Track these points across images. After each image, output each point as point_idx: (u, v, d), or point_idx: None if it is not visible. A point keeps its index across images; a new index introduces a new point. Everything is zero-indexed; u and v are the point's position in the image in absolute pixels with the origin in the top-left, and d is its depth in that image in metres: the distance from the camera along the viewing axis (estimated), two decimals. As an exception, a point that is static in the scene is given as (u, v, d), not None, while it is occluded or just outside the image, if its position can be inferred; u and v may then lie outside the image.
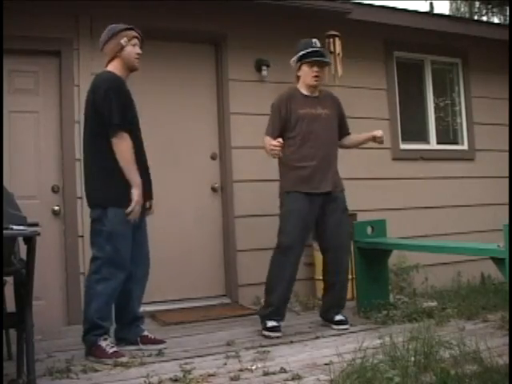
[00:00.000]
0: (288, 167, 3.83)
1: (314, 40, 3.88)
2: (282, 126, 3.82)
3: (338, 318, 3.85)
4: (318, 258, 4.61)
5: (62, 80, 4.39)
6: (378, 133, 3.96)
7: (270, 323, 3.67)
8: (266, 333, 3.64)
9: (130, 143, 3.28)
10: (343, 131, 4.07)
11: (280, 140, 3.63)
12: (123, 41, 3.41)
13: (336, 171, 3.95)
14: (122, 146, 3.25)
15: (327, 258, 3.91)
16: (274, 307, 3.71)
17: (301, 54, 3.85)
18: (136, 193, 3.26)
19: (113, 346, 3.24)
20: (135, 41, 3.46)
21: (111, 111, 3.24)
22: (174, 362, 3.10)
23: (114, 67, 3.42)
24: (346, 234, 3.95)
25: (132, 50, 3.43)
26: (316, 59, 3.83)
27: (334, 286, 3.90)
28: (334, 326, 3.81)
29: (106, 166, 3.28)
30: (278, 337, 3.60)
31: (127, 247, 3.31)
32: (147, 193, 3.46)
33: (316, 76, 3.85)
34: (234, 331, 3.82)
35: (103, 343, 3.21)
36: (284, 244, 3.73)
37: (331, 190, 3.85)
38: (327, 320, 3.90)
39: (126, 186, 3.26)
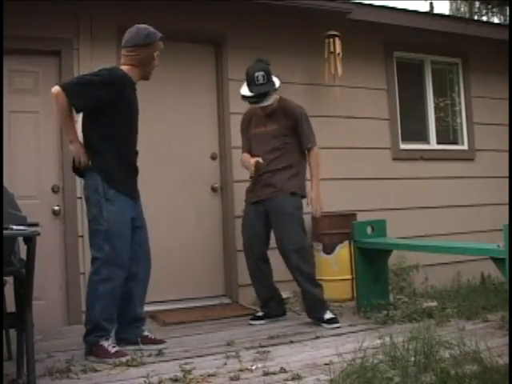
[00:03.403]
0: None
1: (256, 74, 3.88)
2: (247, 142, 4.16)
3: (327, 316, 3.86)
4: (318, 258, 4.62)
5: (62, 80, 4.38)
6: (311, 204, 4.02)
7: (257, 313, 4.10)
8: (252, 322, 4.03)
9: (62, 104, 3.17)
10: (302, 144, 4.05)
11: (259, 159, 3.91)
12: (156, 54, 3.39)
13: (284, 176, 3.95)
14: (55, 103, 3.21)
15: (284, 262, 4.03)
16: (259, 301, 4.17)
17: (241, 93, 3.99)
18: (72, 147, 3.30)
19: (114, 346, 3.24)
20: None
21: (73, 78, 3.39)
22: (174, 361, 3.09)
23: (130, 71, 3.37)
24: (289, 236, 3.89)
25: (155, 62, 3.43)
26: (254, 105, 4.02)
27: (300, 288, 3.99)
28: (326, 326, 3.81)
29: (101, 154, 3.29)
30: (257, 324, 3.99)
31: (125, 246, 3.30)
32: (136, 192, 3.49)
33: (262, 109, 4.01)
34: (233, 331, 3.82)
35: (105, 343, 3.21)
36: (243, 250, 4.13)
37: (270, 196, 3.95)
38: (317, 320, 3.90)
39: (121, 182, 3.29)
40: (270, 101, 3.95)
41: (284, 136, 3.99)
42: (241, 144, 4.32)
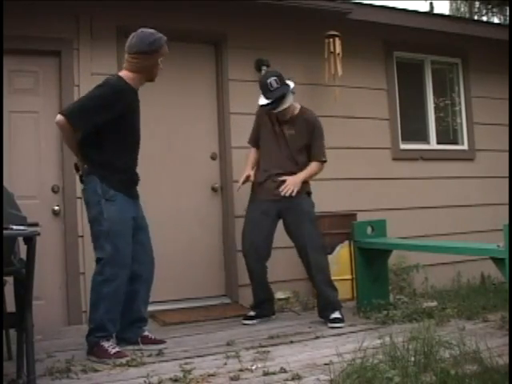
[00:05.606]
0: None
1: (268, 81, 3.91)
2: (255, 135, 4.17)
3: (333, 315, 3.88)
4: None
5: (62, 80, 4.39)
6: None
7: (249, 313, 4.14)
8: (245, 321, 4.05)
9: (67, 131, 3.26)
10: (310, 157, 4.09)
11: (251, 175, 4.06)
12: (160, 60, 3.35)
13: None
14: (61, 130, 3.33)
15: (302, 261, 4.07)
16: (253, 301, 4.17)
17: (259, 104, 4.01)
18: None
19: (115, 347, 3.24)
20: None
21: (74, 103, 3.35)
22: (173, 361, 3.09)
23: (131, 77, 3.32)
24: (309, 235, 3.94)
25: (159, 66, 3.39)
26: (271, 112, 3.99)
27: (316, 287, 4.06)
28: (329, 324, 3.84)
29: (98, 160, 3.32)
30: (250, 324, 4.02)
31: (127, 245, 3.31)
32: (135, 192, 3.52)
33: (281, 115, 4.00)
34: (233, 331, 3.83)
35: (106, 344, 3.21)
36: (242, 249, 4.12)
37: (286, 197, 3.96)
38: (324, 318, 3.95)
39: (118, 182, 3.30)
40: (288, 103, 3.94)
41: (301, 145, 4.03)
42: (241, 144, 4.33)
